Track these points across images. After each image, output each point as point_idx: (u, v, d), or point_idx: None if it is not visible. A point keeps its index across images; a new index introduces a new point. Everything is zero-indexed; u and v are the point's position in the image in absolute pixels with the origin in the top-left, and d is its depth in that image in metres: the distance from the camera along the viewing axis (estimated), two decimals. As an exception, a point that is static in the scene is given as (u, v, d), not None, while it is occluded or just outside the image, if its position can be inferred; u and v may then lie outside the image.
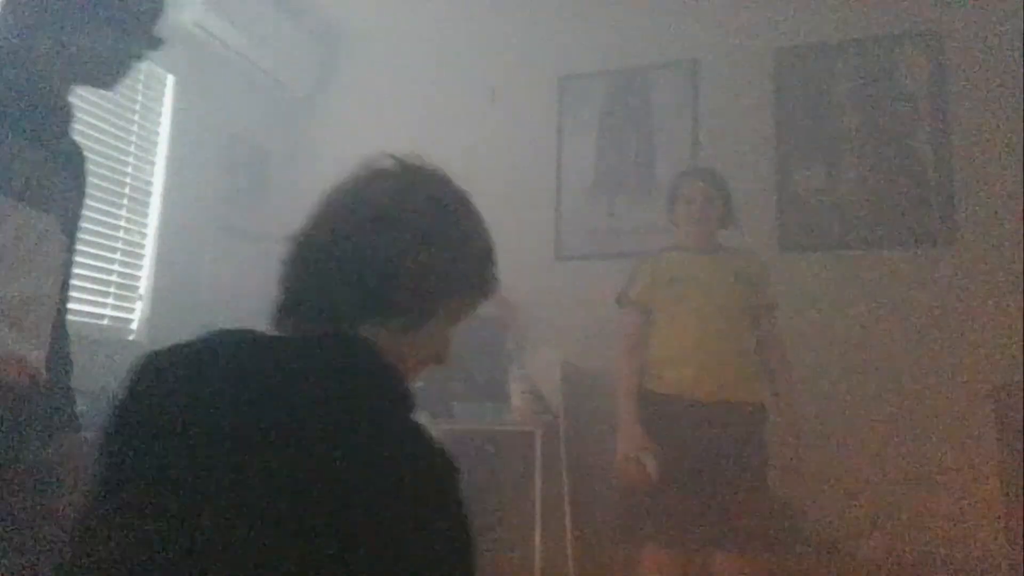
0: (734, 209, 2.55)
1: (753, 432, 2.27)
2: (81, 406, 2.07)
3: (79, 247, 2.89)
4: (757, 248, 3.15)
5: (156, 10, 1.35)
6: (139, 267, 3.15)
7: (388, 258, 0.80)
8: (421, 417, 0.75)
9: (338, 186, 0.87)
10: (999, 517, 2.56)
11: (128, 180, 3.10)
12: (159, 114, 3.27)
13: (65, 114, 1.34)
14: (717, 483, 2.16)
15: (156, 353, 0.75)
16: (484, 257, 0.89)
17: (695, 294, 2.37)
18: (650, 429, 2.25)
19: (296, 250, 0.84)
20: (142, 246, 3.16)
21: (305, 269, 0.82)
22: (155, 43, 1.35)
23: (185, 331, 0.78)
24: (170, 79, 3.30)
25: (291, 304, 0.82)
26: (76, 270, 2.81)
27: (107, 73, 1.33)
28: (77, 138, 1.40)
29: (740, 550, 2.14)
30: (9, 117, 1.18)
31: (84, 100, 2.85)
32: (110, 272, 3.01)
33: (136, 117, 3.14)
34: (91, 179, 2.94)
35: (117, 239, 3.04)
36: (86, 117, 2.86)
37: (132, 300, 3.10)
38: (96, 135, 2.91)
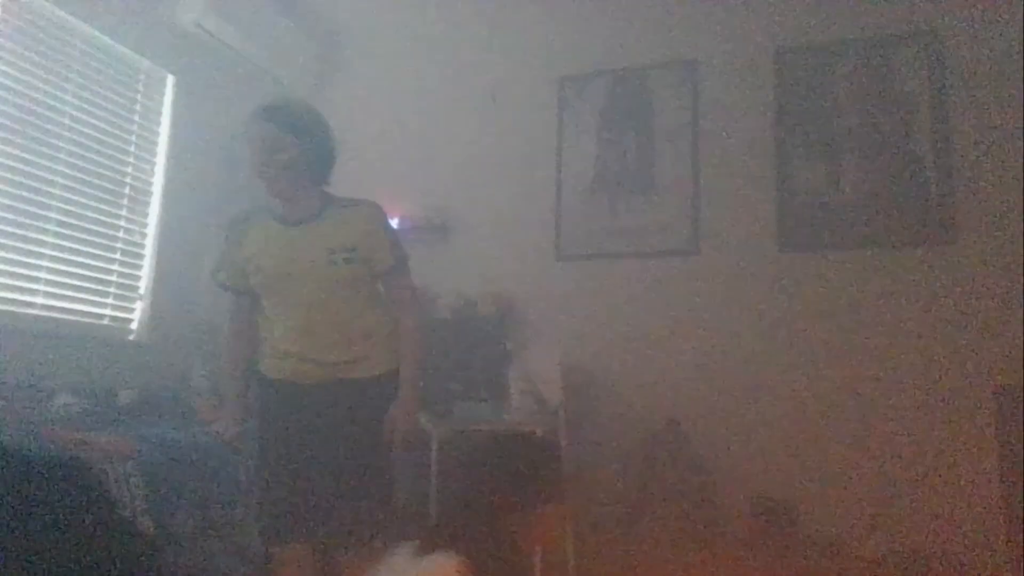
0: (327, 162, 2.05)
1: (369, 408, 2.02)
2: (82, 405, 2.07)
3: (79, 247, 2.89)
4: (757, 248, 3.16)
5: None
6: (139, 267, 3.15)
7: None
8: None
9: None
10: (999, 517, 2.56)
11: (128, 180, 3.09)
12: (159, 114, 3.27)
13: None
14: (329, 468, 1.95)
15: None
16: None
17: (286, 279, 1.99)
18: (258, 410, 2.07)
19: None
20: (142, 246, 3.17)
21: None
22: None
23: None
24: (170, 79, 3.30)
25: None
26: (76, 270, 2.83)
27: None
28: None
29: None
30: None
31: (84, 100, 2.85)
32: (110, 272, 3.01)
33: (136, 117, 3.14)
34: (91, 179, 2.94)
35: (117, 239, 3.04)
36: (86, 117, 2.86)
37: (132, 300, 3.10)
38: (96, 135, 2.91)
